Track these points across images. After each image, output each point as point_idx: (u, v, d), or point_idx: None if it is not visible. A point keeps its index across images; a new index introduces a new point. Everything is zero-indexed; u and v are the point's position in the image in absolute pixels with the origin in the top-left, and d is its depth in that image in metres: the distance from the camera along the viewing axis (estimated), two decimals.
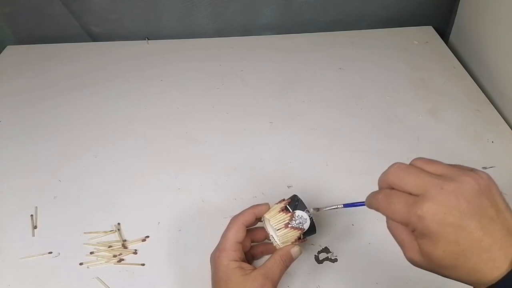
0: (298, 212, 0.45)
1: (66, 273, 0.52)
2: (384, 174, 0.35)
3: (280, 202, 0.47)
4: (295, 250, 0.45)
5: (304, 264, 0.52)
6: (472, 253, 0.29)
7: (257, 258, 0.51)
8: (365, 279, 0.50)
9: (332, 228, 0.55)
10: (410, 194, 0.32)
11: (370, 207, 0.36)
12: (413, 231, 0.32)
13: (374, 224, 0.55)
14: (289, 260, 0.45)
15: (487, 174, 0.31)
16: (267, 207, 0.48)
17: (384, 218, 0.56)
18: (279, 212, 0.46)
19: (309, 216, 0.46)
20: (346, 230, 0.55)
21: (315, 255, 0.53)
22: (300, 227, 0.45)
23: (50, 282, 0.51)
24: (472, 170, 0.32)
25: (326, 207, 0.46)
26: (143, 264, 0.53)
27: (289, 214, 0.45)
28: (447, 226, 0.29)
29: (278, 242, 0.46)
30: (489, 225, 0.29)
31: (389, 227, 0.35)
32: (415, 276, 0.50)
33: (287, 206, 0.46)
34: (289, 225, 0.45)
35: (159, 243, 0.55)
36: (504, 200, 0.31)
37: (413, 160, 0.34)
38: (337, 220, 0.56)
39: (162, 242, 0.55)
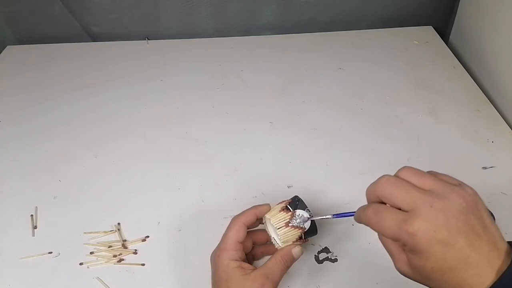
0: (299, 211, 0.46)
1: (66, 273, 0.52)
2: (373, 186, 0.35)
3: (281, 202, 0.47)
4: (296, 250, 0.45)
5: (304, 264, 0.52)
6: (459, 269, 0.30)
7: (258, 259, 0.51)
8: (365, 279, 0.50)
9: (332, 228, 0.55)
10: (399, 209, 0.32)
11: (359, 221, 0.37)
12: (403, 245, 0.33)
13: None
14: (290, 260, 0.44)
15: (473, 190, 0.32)
16: (268, 207, 0.48)
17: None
18: (280, 211, 0.46)
19: (310, 215, 0.46)
20: (346, 230, 0.55)
21: (315, 255, 0.53)
22: (300, 226, 0.45)
23: (50, 282, 0.51)
24: (459, 184, 0.33)
25: (316, 217, 0.46)
26: (143, 264, 0.53)
27: (290, 213, 0.45)
28: (436, 244, 0.30)
29: (279, 242, 0.46)
30: (476, 241, 0.30)
31: (380, 239, 0.36)
32: None
33: (288, 205, 0.46)
34: (290, 224, 0.45)
35: (159, 243, 0.55)
36: (488, 215, 0.32)
37: (401, 170, 0.34)
38: (337, 220, 0.56)
39: (162, 242, 0.55)
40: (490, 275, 0.29)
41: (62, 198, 0.61)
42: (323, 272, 0.51)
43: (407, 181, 0.33)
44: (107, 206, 0.60)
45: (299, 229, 0.45)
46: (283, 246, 0.45)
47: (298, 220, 0.45)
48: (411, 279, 0.34)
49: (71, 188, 0.62)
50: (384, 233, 0.33)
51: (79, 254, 0.54)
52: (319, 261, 0.52)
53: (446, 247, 0.30)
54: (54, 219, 0.58)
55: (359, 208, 0.37)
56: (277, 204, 0.48)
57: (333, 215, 0.45)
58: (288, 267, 0.44)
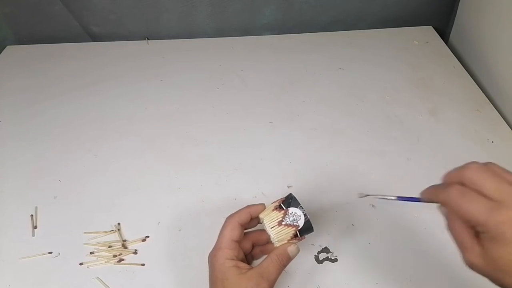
0: (292, 209, 0.45)
1: (66, 273, 0.52)
2: (460, 169, 0.34)
3: (275, 201, 0.47)
4: (292, 248, 0.45)
5: (304, 264, 0.52)
6: None
7: (257, 258, 0.51)
8: (365, 279, 0.50)
9: (332, 228, 0.55)
10: (485, 196, 0.32)
11: (430, 198, 0.36)
12: (479, 233, 0.33)
13: (374, 224, 0.55)
14: (286, 259, 0.44)
15: None
16: (262, 207, 0.48)
17: (384, 219, 0.56)
18: (273, 210, 0.46)
19: (303, 213, 0.45)
20: (346, 230, 0.55)
21: (315, 255, 0.53)
22: (294, 224, 0.45)
23: (50, 282, 0.51)
24: None
25: (377, 195, 0.45)
26: (143, 264, 0.53)
27: (282, 211, 0.45)
28: None
29: (274, 241, 0.46)
30: None
31: (450, 228, 0.35)
32: (415, 276, 0.50)
33: (281, 204, 0.46)
34: (283, 223, 0.45)
35: (159, 243, 0.55)
36: None
37: (488, 163, 0.35)
38: (337, 220, 0.56)
39: (162, 242, 0.55)
40: None
41: (62, 198, 0.61)
42: (323, 272, 0.51)
43: (497, 172, 0.33)
44: (107, 206, 0.60)
45: (292, 227, 0.45)
46: (278, 245, 0.45)
47: (291, 218, 0.45)
48: (479, 272, 0.34)
49: (71, 188, 0.62)
50: (467, 215, 0.33)
51: (79, 254, 0.54)
52: (319, 261, 0.52)
53: None
54: (54, 219, 0.58)
55: (433, 186, 0.36)
56: (271, 203, 0.48)
57: (398, 197, 0.44)
58: (285, 265, 0.44)
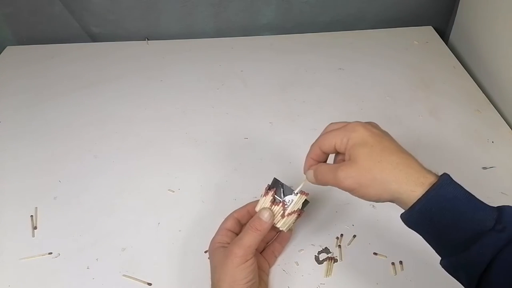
0: (288, 198, 0.47)
1: (66, 274, 0.52)
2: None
3: (265, 194, 0.47)
4: (262, 212, 0.46)
5: (304, 264, 0.52)
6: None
7: (271, 261, 0.52)
8: (365, 279, 0.50)
9: (332, 228, 0.55)
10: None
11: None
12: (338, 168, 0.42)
13: (374, 224, 0.55)
14: (258, 223, 0.45)
15: None
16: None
17: (384, 219, 0.56)
18: (271, 206, 0.47)
19: (297, 195, 0.47)
20: (346, 230, 0.55)
21: (315, 255, 0.53)
22: (295, 210, 0.46)
23: (50, 283, 0.51)
24: None
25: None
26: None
27: (281, 204, 0.46)
28: None
29: (283, 229, 0.47)
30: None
31: (320, 177, 0.43)
32: (415, 276, 0.50)
33: (275, 196, 0.47)
34: (285, 213, 0.46)
35: (159, 243, 0.55)
36: None
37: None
38: (337, 220, 0.56)
39: (162, 242, 0.55)
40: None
41: (62, 198, 0.61)
42: (323, 272, 0.51)
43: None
44: (107, 206, 0.60)
45: (295, 213, 0.46)
46: (286, 231, 0.48)
47: (290, 206, 0.46)
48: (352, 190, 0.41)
49: (71, 188, 0.62)
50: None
51: (79, 254, 0.54)
52: (319, 261, 0.52)
53: None
54: (54, 220, 0.58)
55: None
56: (263, 197, 0.47)
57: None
58: (259, 229, 0.45)
